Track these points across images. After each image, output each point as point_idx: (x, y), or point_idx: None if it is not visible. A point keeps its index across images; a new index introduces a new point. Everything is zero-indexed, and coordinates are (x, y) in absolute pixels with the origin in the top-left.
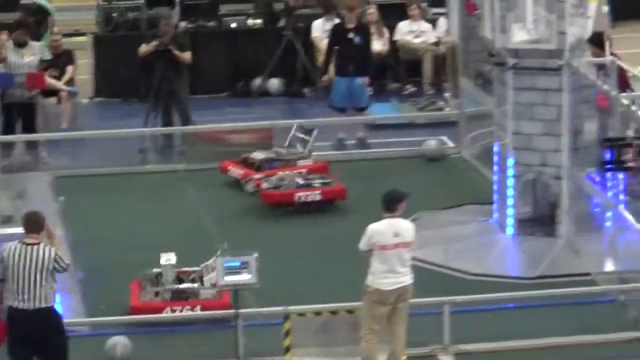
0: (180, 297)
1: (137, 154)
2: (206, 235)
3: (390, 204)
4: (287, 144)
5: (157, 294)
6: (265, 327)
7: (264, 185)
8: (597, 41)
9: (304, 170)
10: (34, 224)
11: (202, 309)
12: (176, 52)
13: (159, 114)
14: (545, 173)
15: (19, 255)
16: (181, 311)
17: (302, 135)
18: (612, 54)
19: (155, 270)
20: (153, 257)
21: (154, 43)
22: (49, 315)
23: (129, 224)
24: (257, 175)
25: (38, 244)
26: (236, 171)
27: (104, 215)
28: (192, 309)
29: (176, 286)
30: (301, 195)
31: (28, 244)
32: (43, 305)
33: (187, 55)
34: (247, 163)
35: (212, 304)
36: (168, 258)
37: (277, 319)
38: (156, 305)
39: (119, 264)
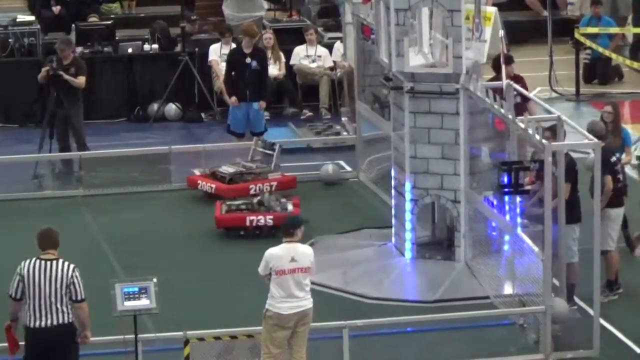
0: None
1: (32, 180)
2: (104, 261)
3: (289, 229)
4: (249, 158)
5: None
6: (164, 352)
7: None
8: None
9: (274, 183)
10: (50, 239)
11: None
12: (67, 77)
13: (55, 139)
14: (443, 197)
15: (39, 271)
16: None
17: (264, 150)
18: (515, 76)
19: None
20: None
21: (45, 68)
22: (69, 331)
23: (24, 250)
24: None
25: (57, 259)
26: (207, 185)
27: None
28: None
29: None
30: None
31: (47, 260)
32: (64, 321)
33: (80, 80)
34: (216, 177)
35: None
36: None
37: (176, 344)
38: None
39: None
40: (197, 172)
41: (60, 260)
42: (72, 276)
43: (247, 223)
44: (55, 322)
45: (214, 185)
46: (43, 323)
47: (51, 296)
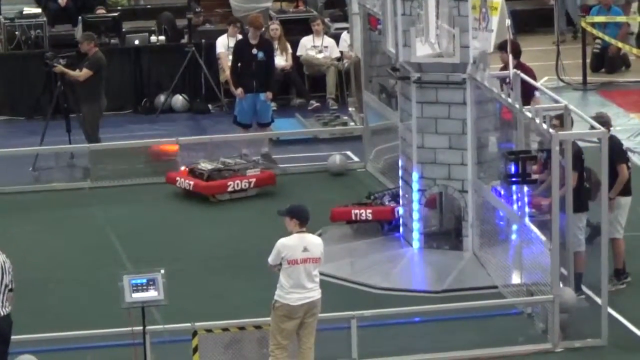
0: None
1: (32, 172)
2: (112, 252)
3: (306, 219)
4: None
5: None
6: (173, 344)
7: None
8: (513, 50)
9: (253, 180)
10: None
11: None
12: (62, 70)
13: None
14: (451, 187)
15: None
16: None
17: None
18: (520, 64)
19: None
20: (56, 275)
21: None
22: (9, 322)
23: (33, 242)
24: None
25: None
26: (185, 182)
27: (6, 233)
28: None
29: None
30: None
31: None
32: (7, 311)
33: (77, 72)
34: (195, 174)
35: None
36: None
37: (185, 335)
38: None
39: (21, 283)
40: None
41: None
42: (10, 266)
43: (353, 217)
44: (7, 311)
45: (192, 182)
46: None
47: (3, 287)
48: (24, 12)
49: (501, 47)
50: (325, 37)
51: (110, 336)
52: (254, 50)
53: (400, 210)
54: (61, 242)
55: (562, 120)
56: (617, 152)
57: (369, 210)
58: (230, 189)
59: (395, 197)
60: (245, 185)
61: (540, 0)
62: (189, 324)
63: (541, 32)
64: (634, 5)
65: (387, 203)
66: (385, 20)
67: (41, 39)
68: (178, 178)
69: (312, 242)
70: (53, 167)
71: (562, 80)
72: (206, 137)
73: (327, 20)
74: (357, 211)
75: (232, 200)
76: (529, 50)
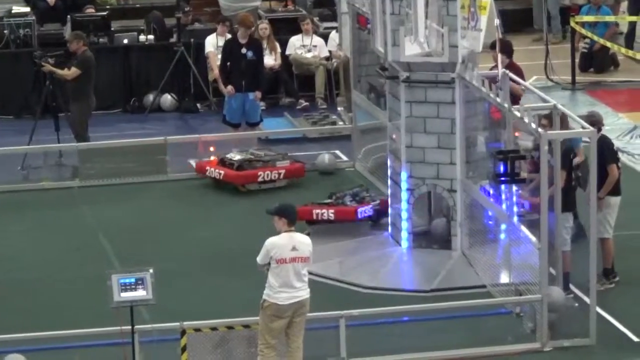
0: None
1: (20, 171)
2: (101, 252)
3: (295, 218)
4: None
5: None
6: (161, 343)
7: None
8: (504, 49)
9: (283, 171)
10: None
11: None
12: (50, 68)
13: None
14: (439, 186)
15: None
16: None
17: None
18: (511, 64)
19: None
20: (45, 275)
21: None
22: None
23: (22, 241)
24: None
25: None
26: (215, 171)
27: None
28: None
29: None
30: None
31: None
32: None
33: (64, 72)
34: (225, 164)
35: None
36: None
37: (173, 334)
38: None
39: (10, 282)
40: (212, 157)
41: None
42: None
43: (314, 216)
44: None
45: (222, 172)
46: None
47: None
48: (13, 11)
49: (493, 45)
50: (314, 36)
51: (98, 335)
52: (243, 50)
53: (368, 210)
54: (50, 241)
55: (551, 119)
56: (608, 152)
57: (331, 210)
58: (260, 179)
59: (355, 197)
60: (275, 176)
61: (530, 1)
62: (177, 323)
63: (530, 32)
64: (624, 5)
65: (348, 203)
66: (374, 20)
67: (30, 37)
68: (208, 167)
69: (300, 241)
70: (42, 166)
71: (551, 80)
72: (195, 137)
73: (316, 19)
74: (318, 211)
75: (222, 199)
76: (517, 50)
